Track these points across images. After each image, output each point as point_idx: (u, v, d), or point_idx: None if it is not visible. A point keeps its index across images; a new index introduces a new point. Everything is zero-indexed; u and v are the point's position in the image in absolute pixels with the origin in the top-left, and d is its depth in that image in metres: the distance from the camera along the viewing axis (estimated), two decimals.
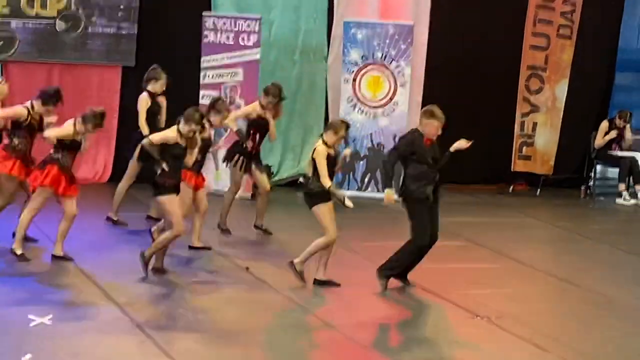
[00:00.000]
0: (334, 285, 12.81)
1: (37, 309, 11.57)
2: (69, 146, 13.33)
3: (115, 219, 15.44)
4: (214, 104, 14.30)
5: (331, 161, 12.72)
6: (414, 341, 11.49)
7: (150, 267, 13.05)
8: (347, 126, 12.99)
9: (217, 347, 10.94)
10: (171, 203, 12.78)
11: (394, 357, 10.86)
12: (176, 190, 12.87)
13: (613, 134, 19.63)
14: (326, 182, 12.54)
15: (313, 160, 12.69)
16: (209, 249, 14.37)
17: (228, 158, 15.12)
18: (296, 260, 12.78)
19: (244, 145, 14.84)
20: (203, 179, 14.22)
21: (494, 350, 11.17)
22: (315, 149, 12.73)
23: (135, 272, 13.30)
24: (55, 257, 13.57)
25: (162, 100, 15.49)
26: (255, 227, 15.33)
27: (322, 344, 11.24)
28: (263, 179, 14.95)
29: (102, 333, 11.10)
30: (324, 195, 12.68)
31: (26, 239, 14.01)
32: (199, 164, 13.87)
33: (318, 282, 12.83)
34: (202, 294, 12.76)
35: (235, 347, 10.96)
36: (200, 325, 11.58)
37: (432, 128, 12.75)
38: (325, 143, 12.68)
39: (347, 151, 13.20)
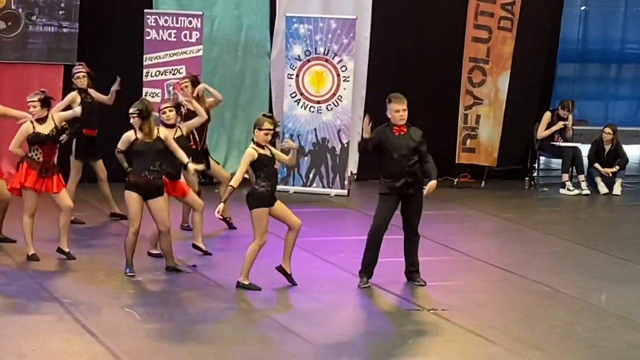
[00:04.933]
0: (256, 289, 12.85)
1: None
2: (36, 142, 13.49)
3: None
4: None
5: (265, 161, 12.64)
6: (361, 335, 11.65)
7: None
8: (271, 119, 12.82)
9: (164, 345, 10.99)
10: (128, 199, 12.98)
11: (343, 351, 10.95)
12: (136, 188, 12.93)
13: (561, 124, 19.78)
14: (235, 183, 12.50)
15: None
16: (209, 254, 14.32)
17: None
18: (240, 279, 12.80)
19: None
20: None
21: (440, 342, 11.29)
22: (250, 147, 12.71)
23: (80, 272, 13.35)
24: (60, 251, 13.71)
25: (95, 95, 15.69)
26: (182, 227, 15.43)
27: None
28: (193, 180, 14.90)
29: (47, 333, 11.14)
30: (264, 199, 12.70)
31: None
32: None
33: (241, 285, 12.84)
34: (152, 294, 12.84)
35: (184, 344, 11.02)
36: (147, 325, 11.63)
37: (393, 113, 12.79)
38: (255, 143, 12.66)
39: (289, 142, 13.15)
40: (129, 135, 12.98)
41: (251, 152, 12.53)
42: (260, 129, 12.62)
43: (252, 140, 12.71)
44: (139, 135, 12.92)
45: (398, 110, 12.78)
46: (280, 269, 12.90)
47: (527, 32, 20.00)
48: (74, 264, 13.65)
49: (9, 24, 18.12)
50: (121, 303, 12.18)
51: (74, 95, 15.54)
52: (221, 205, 12.74)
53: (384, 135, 12.76)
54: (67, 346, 10.71)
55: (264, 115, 13.06)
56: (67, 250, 13.74)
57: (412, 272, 13.18)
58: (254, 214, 12.63)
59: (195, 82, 15.21)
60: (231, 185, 12.55)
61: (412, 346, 11.26)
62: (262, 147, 12.63)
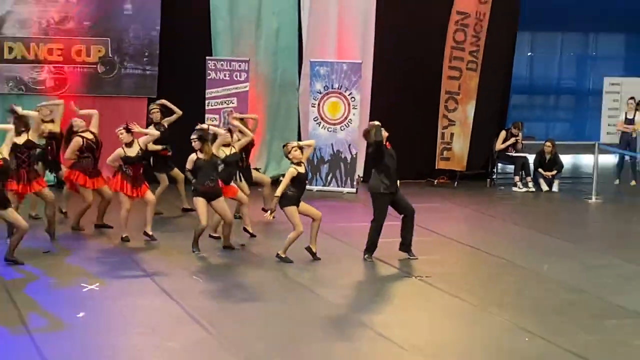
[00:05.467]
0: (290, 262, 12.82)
1: (87, 279, 11.66)
2: (126, 162, 13.68)
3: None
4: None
5: (301, 176, 12.70)
6: (366, 294, 11.68)
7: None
8: (285, 146, 13.00)
9: (220, 303, 11.00)
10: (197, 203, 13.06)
11: (352, 306, 10.92)
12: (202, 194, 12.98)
13: (513, 140, 19.78)
14: (279, 193, 12.50)
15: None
16: (254, 236, 14.07)
17: None
18: (280, 252, 12.78)
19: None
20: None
21: (425, 300, 11.36)
22: (290, 168, 12.71)
23: (159, 250, 13.35)
24: (145, 234, 13.80)
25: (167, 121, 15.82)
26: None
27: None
28: (244, 185, 14.77)
29: (136, 294, 11.19)
30: (292, 200, 12.67)
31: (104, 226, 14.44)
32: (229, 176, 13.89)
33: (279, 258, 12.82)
34: (213, 266, 12.86)
35: (235, 302, 11.01)
36: (208, 288, 11.65)
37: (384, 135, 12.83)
38: (295, 163, 12.67)
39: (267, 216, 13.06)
40: (192, 156, 13.06)
41: (292, 171, 12.58)
42: (289, 153, 12.70)
43: (291, 162, 12.71)
44: (200, 155, 12.98)
45: (386, 134, 12.85)
46: (308, 249, 12.90)
47: (488, 71, 19.89)
48: (155, 244, 13.70)
49: (108, 67, 18.19)
50: (189, 272, 12.24)
51: (151, 128, 15.57)
52: (268, 214, 12.83)
53: (384, 147, 12.78)
54: (150, 304, 10.80)
55: (283, 146, 13.22)
56: (150, 233, 13.79)
57: (405, 244, 13.15)
58: (286, 210, 12.70)
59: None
60: (276, 196, 12.56)
61: (404, 302, 11.31)
62: (300, 164, 12.64)
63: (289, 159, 12.86)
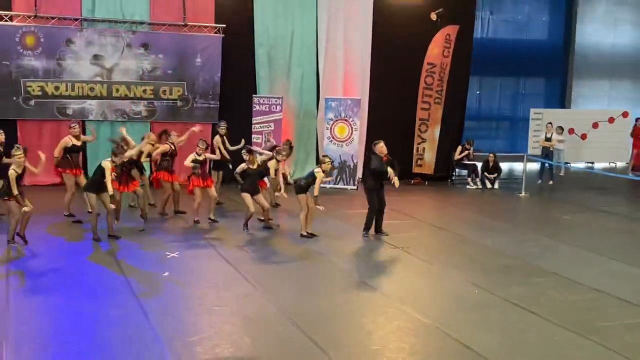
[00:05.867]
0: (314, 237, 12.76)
1: (171, 248, 11.70)
2: (199, 162, 13.65)
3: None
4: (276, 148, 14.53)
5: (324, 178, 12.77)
6: (366, 261, 11.64)
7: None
8: (326, 156, 12.99)
9: (260, 265, 10.95)
10: (244, 197, 13.03)
11: (354, 269, 10.90)
12: (247, 191, 12.97)
13: (466, 152, 19.80)
14: (316, 192, 12.49)
15: (314, 175, 12.66)
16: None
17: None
18: (301, 231, 12.77)
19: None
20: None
21: (404, 264, 11.34)
22: (317, 171, 12.67)
23: (219, 230, 13.28)
24: (210, 219, 13.76)
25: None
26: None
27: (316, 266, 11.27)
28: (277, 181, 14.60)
29: (199, 260, 11.20)
30: (301, 189, 12.70)
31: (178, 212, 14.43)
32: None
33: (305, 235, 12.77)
34: (257, 240, 12.84)
35: (271, 265, 10.95)
36: (255, 256, 11.62)
37: (380, 149, 12.82)
38: (322, 170, 12.60)
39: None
40: (243, 165, 13.08)
41: (321, 175, 12.57)
42: (324, 163, 12.68)
43: (321, 169, 12.66)
44: (249, 165, 13.00)
45: (383, 147, 12.80)
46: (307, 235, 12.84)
47: (449, 104, 19.87)
48: (217, 225, 13.72)
49: (184, 102, 18.14)
50: (241, 244, 12.24)
51: (217, 138, 15.62)
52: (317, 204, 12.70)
53: (377, 171, 12.80)
54: (213, 266, 10.80)
55: (323, 156, 13.27)
56: (213, 218, 13.81)
57: (377, 227, 13.10)
58: (299, 197, 12.70)
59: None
60: (316, 196, 12.51)
61: (391, 266, 11.28)
62: (324, 171, 12.66)
63: (321, 166, 12.80)
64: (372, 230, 13.07)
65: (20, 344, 7.56)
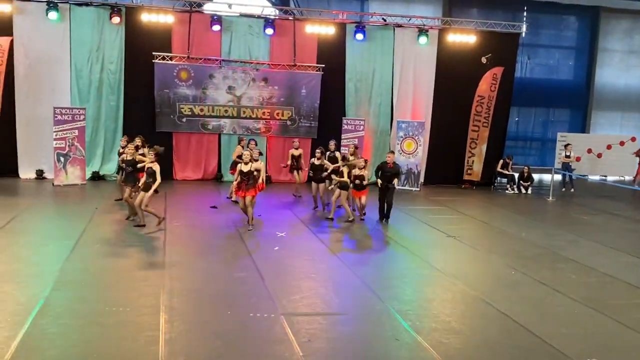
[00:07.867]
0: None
1: (280, 230, 11.81)
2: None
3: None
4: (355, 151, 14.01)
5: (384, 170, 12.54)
6: (430, 247, 11.44)
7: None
8: (355, 147, 12.94)
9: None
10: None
11: (419, 253, 10.72)
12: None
13: (506, 164, 19.28)
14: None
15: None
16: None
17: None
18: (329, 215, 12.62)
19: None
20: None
21: (456, 250, 11.12)
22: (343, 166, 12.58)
23: (317, 218, 13.23)
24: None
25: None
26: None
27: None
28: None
29: (304, 241, 11.16)
30: (345, 186, 12.45)
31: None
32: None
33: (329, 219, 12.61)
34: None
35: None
36: (334, 239, 11.58)
37: (387, 158, 12.68)
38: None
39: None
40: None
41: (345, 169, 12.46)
42: (360, 168, 12.46)
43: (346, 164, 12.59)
44: (316, 162, 12.83)
45: (389, 156, 12.66)
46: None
47: (494, 127, 19.41)
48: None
49: (292, 122, 18.29)
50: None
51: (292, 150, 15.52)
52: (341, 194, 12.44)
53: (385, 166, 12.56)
54: (311, 245, 10.83)
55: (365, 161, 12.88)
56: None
57: (385, 216, 12.77)
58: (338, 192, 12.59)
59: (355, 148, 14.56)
60: (327, 175, 12.57)
61: (447, 250, 10.96)
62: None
63: (356, 165, 12.42)
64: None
65: (171, 294, 7.85)
